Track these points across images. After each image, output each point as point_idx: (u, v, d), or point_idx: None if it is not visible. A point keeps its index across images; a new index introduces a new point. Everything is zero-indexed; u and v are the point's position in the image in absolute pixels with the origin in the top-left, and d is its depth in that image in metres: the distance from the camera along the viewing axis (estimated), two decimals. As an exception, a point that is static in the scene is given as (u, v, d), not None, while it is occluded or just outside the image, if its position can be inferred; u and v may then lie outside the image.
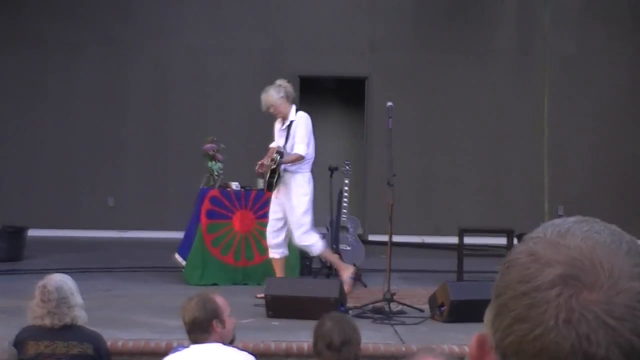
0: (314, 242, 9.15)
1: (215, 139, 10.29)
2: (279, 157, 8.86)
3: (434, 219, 14.54)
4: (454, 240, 10.53)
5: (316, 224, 11.80)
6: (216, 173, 10.11)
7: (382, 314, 7.85)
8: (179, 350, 4.60)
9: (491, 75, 14.84)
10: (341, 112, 17.05)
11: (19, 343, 4.76)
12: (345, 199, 10.55)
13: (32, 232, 12.02)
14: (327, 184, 10.26)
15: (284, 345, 6.80)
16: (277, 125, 9.25)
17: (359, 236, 11.11)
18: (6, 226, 11.75)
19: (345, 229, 10.63)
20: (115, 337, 6.62)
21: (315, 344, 4.16)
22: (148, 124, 14.74)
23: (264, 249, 9.82)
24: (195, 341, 4.42)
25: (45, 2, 14.64)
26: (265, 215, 9.87)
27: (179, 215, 12.46)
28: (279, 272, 9.08)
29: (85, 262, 9.63)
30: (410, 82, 14.77)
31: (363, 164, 14.86)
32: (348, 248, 10.54)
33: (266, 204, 9.87)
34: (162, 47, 14.80)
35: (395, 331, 7.40)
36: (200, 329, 4.45)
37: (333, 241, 10.25)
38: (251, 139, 14.57)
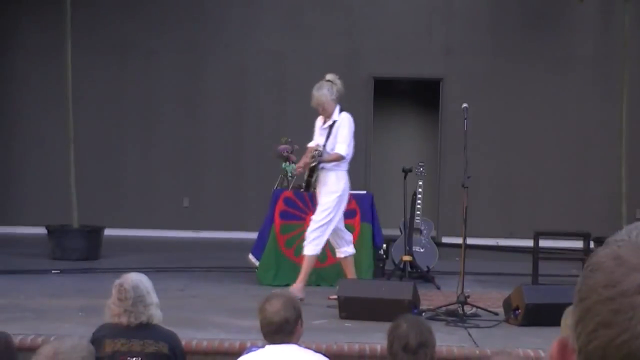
0: (317, 243, 8.86)
1: (290, 140, 10.32)
2: (318, 155, 8.80)
3: (509, 222, 14.41)
4: (529, 243, 10.43)
5: (390, 225, 11.81)
6: (290, 174, 10.14)
7: (455, 317, 7.80)
8: (253, 351, 4.61)
9: (568, 80, 14.66)
10: (416, 114, 17.02)
11: (96, 341, 4.82)
12: (419, 201, 10.50)
13: (108, 232, 12.19)
14: (401, 186, 10.22)
15: (357, 346, 6.79)
16: (319, 123, 9.16)
17: (433, 238, 11.05)
18: (83, 226, 11.93)
19: (419, 231, 10.59)
20: (189, 337, 6.67)
21: (390, 345, 4.13)
22: (225, 126, 14.86)
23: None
24: (277, 342, 4.40)
25: (125, 7, 14.84)
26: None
27: (254, 216, 12.55)
28: (306, 270, 8.89)
29: (160, 261, 9.75)
30: (486, 85, 14.66)
31: (437, 166, 14.79)
32: (421, 250, 10.50)
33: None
34: (240, 51, 14.90)
35: (469, 334, 7.34)
36: (287, 330, 4.43)
37: (406, 243, 10.20)
38: (325, 141, 14.62)
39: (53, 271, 10.60)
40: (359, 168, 14.41)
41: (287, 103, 14.87)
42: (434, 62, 14.82)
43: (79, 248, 11.63)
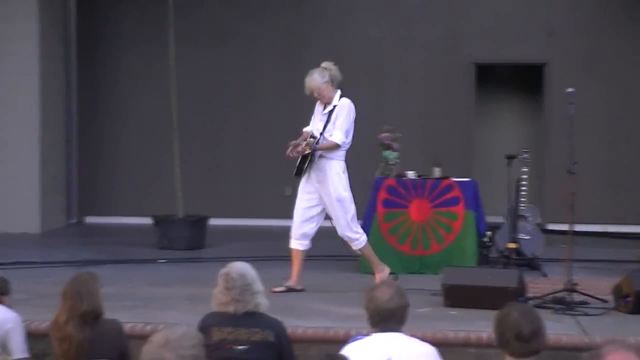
0: (358, 237, 8.84)
1: (391, 128, 10.27)
2: (314, 142, 8.63)
3: (617, 208, 14.11)
4: (638, 229, 10.20)
5: (494, 212, 11.67)
6: (392, 162, 10.10)
7: (563, 305, 7.68)
8: (358, 339, 4.60)
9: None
10: (518, 100, 16.77)
11: (203, 329, 4.87)
12: (524, 188, 10.35)
13: (212, 221, 12.33)
14: (505, 173, 10.08)
15: (462, 334, 6.74)
16: (318, 108, 8.89)
17: (538, 225, 10.89)
18: (188, 215, 12.09)
19: (524, 218, 10.44)
20: (294, 325, 6.70)
21: (501, 334, 4.07)
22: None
23: (442, 238, 9.78)
24: (387, 330, 4.38)
25: (227, -3, 14.99)
26: (443, 205, 9.81)
27: (356, 205, 12.52)
28: (296, 265, 8.75)
29: (264, 250, 9.81)
30: (592, 68, 14.35)
31: (541, 152, 14.55)
32: (527, 237, 10.36)
33: (444, 192, 9.81)
34: (340, 38, 14.88)
35: (577, 322, 7.23)
36: (398, 317, 4.42)
37: (511, 230, 10.08)
38: (428, 128, 14.54)
39: (159, 260, 10.77)
40: (462, 155, 14.30)
41: (388, 90, 14.80)
42: (537, 45, 14.56)
43: (184, 237, 11.78)
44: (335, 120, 8.67)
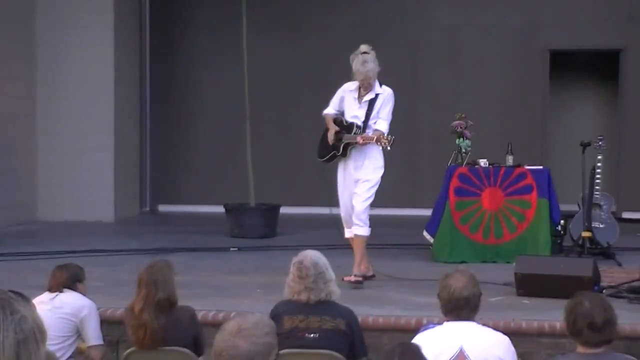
0: (365, 224, 8.55)
1: (464, 115, 10.20)
2: (359, 131, 8.36)
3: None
4: None
5: (568, 201, 11.53)
6: (464, 150, 10.03)
7: (639, 294, 7.56)
8: (430, 327, 4.58)
9: None
10: (594, 86, 16.55)
11: (275, 317, 4.89)
12: (599, 175, 10.22)
13: (284, 210, 12.37)
14: (579, 160, 9.96)
15: (535, 324, 6.68)
16: (352, 93, 8.58)
17: (613, 214, 10.74)
18: (260, 204, 12.15)
19: (599, 206, 10.31)
20: (365, 313, 6.70)
21: (573, 323, 4.03)
22: (399, 102, 14.74)
23: (515, 227, 9.70)
24: (461, 318, 4.36)
25: (298, -15, 15.01)
26: (516, 193, 9.72)
27: (428, 193, 12.47)
28: (359, 252, 8.54)
29: (335, 239, 9.80)
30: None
31: (617, 139, 14.33)
32: (601, 226, 10.23)
33: (517, 180, 9.72)
34: (415, 26, 14.82)
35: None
36: (472, 305, 4.39)
37: (585, 219, 9.95)
38: (502, 115, 14.41)
39: (232, 249, 10.85)
40: (536, 142, 14.15)
41: (462, 77, 14.71)
42: (614, 31, 14.33)
43: (256, 226, 11.85)
44: (380, 109, 8.47)
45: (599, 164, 10.21)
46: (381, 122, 8.43)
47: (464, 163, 9.97)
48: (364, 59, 8.42)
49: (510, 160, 10.05)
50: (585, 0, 14.46)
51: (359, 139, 8.25)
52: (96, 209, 13.67)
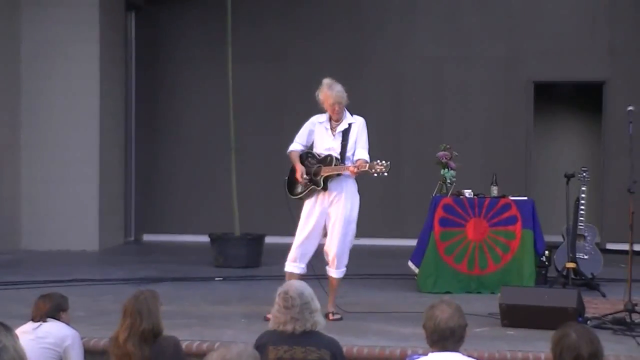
0: (345, 265, 8.28)
1: (448, 146, 10.24)
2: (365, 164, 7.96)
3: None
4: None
5: (552, 232, 11.57)
6: (449, 181, 10.06)
7: (623, 325, 7.56)
8: (414, 358, 4.57)
9: None
10: (577, 118, 16.67)
11: (259, 347, 4.87)
12: (583, 207, 10.25)
13: (269, 239, 12.34)
14: (564, 192, 9.99)
15: (519, 355, 6.67)
16: (324, 125, 8.19)
17: (597, 245, 10.77)
18: (245, 234, 12.13)
19: (583, 237, 10.34)
20: (350, 344, 6.68)
21: (559, 355, 4.03)
22: (383, 133, 14.86)
23: (499, 257, 9.71)
24: (446, 349, 4.35)
25: (284, 16, 15.07)
26: (500, 224, 9.74)
27: (412, 223, 12.49)
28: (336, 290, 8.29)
29: (319, 269, 9.76)
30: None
31: (601, 171, 14.41)
32: (585, 257, 10.25)
33: (502, 211, 9.73)
34: (399, 58, 14.91)
35: (638, 343, 7.10)
36: (457, 336, 4.38)
37: (570, 250, 9.97)
38: (486, 146, 14.47)
39: (216, 278, 10.82)
40: (520, 173, 14.20)
41: (446, 109, 14.79)
42: (597, 64, 14.45)
43: (241, 255, 11.82)
44: (357, 139, 8.11)
45: (583, 195, 10.25)
46: (362, 151, 8.12)
47: (449, 194, 9.99)
48: (330, 83, 8.19)
49: (494, 191, 10.07)
50: (568, 33, 14.57)
51: (352, 169, 7.96)
52: (80, 238, 13.64)
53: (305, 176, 8.13)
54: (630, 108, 8.20)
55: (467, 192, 9.99)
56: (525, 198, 10.17)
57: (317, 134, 8.26)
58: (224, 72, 12.44)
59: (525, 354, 6.65)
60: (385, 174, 7.96)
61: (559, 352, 4.03)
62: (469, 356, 4.51)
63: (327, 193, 8.09)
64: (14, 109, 13.67)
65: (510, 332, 7.56)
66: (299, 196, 8.29)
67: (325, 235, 8.25)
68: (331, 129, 8.20)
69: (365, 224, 14.59)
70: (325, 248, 8.23)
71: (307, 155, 8.30)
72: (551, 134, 16.43)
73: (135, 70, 15.28)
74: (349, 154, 8.10)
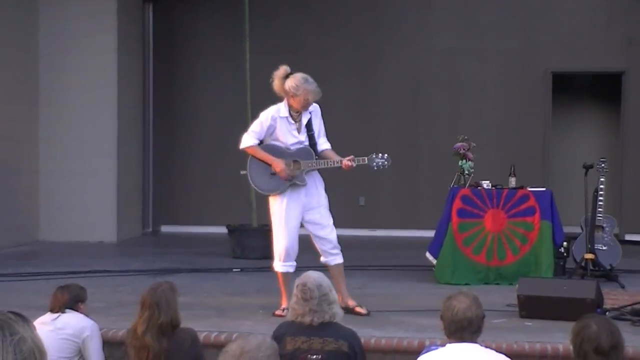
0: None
1: (466, 137, 10.21)
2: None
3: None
4: None
5: (571, 223, 11.53)
6: (467, 172, 10.03)
7: (642, 317, 7.54)
8: (432, 349, 4.56)
9: None
10: (596, 109, 16.59)
11: (277, 339, 4.87)
12: (601, 198, 10.21)
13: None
14: (582, 183, 9.95)
15: (538, 346, 6.65)
16: (286, 120, 7.91)
17: (615, 236, 10.73)
18: (263, 225, 12.12)
19: (601, 228, 10.30)
20: (368, 335, 6.68)
21: (579, 346, 4.01)
22: (400, 125, 14.86)
23: (517, 249, 9.68)
24: (464, 339, 4.34)
25: (299, 9, 15.06)
26: (518, 215, 9.71)
27: (430, 214, 12.48)
28: (287, 287, 7.83)
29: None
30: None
31: (619, 162, 14.35)
32: (604, 248, 10.21)
33: (520, 202, 9.70)
34: (415, 51, 14.88)
35: (657, 335, 7.08)
36: (475, 327, 4.37)
37: (588, 241, 9.94)
38: (504, 138, 14.43)
39: (234, 270, 10.83)
40: (538, 164, 14.16)
41: (463, 101, 14.75)
42: (615, 54, 14.38)
43: (259, 247, 11.81)
44: (320, 129, 8.00)
45: (601, 186, 10.20)
46: (325, 141, 8.03)
47: (467, 185, 9.97)
48: (307, 77, 8.01)
49: (512, 182, 10.04)
50: (586, 23, 14.50)
51: (347, 162, 7.79)
52: (98, 230, 13.69)
53: (285, 171, 7.81)
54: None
55: (485, 184, 9.97)
56: (544, 189, 10.13)
57: (281, 129, 7.92)
58: (240, 64, 12.44)
59: (544, 345, 6.63)
60: (386, 166, 7.90)
61: (579, 343, 4.02)
62: (486, 347, 4.51)
63: (301, 190, 7.90)
64: (31, 102, 13.70)
65: (528, 323, 7.54)
66: (279, 192, 7.93)
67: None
68: (295, 122, 7.93)
69: (382, 215, 14.73)
70: (320, 238, 8.07)
71: (271, 148, 7.97)
72: (569, 125, 16.37)
73: (153, 62, 15.30)
74: (319, 145, 7.96)
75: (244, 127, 12.41)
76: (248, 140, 8.00)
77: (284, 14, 15.07)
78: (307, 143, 7.91)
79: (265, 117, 7.97)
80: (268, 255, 11.76)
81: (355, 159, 7.84)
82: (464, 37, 14.76)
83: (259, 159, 7.97)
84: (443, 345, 4.48)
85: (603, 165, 10.25)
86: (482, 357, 4.34)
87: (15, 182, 13.26)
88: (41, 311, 6.02)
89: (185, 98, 15.34)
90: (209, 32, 15.20)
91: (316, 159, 7.91)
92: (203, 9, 15.25)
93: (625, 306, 7.86)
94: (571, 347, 4.13)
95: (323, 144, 8.00)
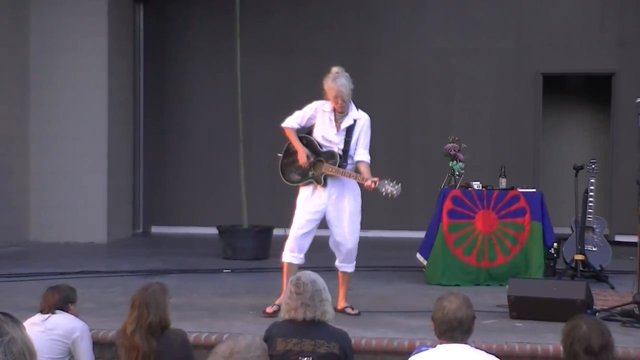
0: (354, 259, 8.14)
1: (457, 138, 10.22)
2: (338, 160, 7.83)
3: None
4: None
5: (561, 224, 11.55)
6: (457, 173, 10.04)
7: (631, 318, 7.55)
8: (422, 350, 4.56)
9: None
10: (586, 110, 16.62)
11: (268, 339, 4.88)
12: (591, 199, 10.23)
13: (277, 232, 12.33)
14: (572, 184, 9.97)
15: (528, 347, 6.66)
16: (328, 116, 7.94)
17: (605, 237, 10.75)
18: (253, 226, 12.13)
19: (591, 229, 10.32)
20: (358, 336, 6.68)
21: (569, 346, 4.02)
22: (392, 125, 14.85)
23: (508, 250, 9.69)
24: (454, 340, 4.35)
25: (292, 8, 15.05)
26: (509, 216, 9.72)
27: (421, 215, 12.48)
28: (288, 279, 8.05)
29: (328, 261, 9.77)
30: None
31: (610, 163, 14.39)
32: (594, 249, 10.23)
33: (510, 203, 9.72)
34: (407, 50, 14.89)
35: (647, 336, 7.10)
36: (465, 327, 4.38)
37: (578, 242, 9.96)
38: (495, 138, 14.45)
39: (224, 270, 10.82)
40: (529, 165, 14.18)
41: (454, 101, 14.76)
42: (606, 56, 14.40)
43: (249, 248, 11.83)
44: (360, 138, 7.90)
45: (591, 187, 10.23)
46: (363, 152, 7.92)
47: (457, 186, 9.98)
48: (335, 76, 7.91)
49: (503, 183, 10.05)
50: (577, 24, 14.53)
51: (369, 183, 7.61)
52: (89, 230, 13.67)
53: (307, 162, 7.92)
54: (639, 100, 8.16)
55: (476, 184, 9.98)
56: (534, 190, 10.15)
57: (321, 122, 8.00)
58: (232, 64, 12.44)
59: (534, 346, 6.64)
60: (395, 195, 7.77)
61: (570, 343, 4.03)
62: (477, 348, 4.51)
63: (326, 188, 7.93)
64: (22, 101, 13.68)
65: (519, 324, 7.55)
66: (295, 184, 8.15)
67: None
68: (335, 121, 7.96)
69: (373, 216, 14.69)
70: (337, 243, 8.09)
71: (305, 139, 8.10)
72: (560, 126, 16.40)
73: (144, 62, 15.29)
74: (351, 152, 7.91)
75: (235, 127, 12.51)
76: (289, 121, 8.20)
77: (276, 13, 15.06)
78: (341, 147, 7.89)
79: (312, 105, 8.13)
80: (259, 256, 11.83)
81: (380, 182, 7.69)
82: (456, 37, 14.77)
83: (290, 142, 8.14)
84: (433, 346, 4.48)
85: (593, 166, 10.27)
86: (472, 358, 4.35)
87: (5, 182, 13.23)
88: (31, 312, 6.01)
89: (176, 98, 15.32)
90: (200, 31, 15.19)
91: (344, 166, 7.85)
92: (194, 8, 15.24)
93: (615, 307, 7.88)
94: (561, 348, 4.14)
95: (361, 155, 7.92)
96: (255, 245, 11.97)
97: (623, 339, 6.70)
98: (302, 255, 8.08)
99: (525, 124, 14.56)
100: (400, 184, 7.80)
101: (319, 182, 7.93)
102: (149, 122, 15.34)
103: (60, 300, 5.95)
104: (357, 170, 7.91)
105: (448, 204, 9.82)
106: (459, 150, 10.10)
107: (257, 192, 13.64)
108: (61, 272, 10.11)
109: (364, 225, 14.07)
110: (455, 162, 10.06)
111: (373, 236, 14.45)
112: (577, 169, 10.01)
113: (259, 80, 14.55)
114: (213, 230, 12.43)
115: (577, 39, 14.49)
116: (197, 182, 15.17)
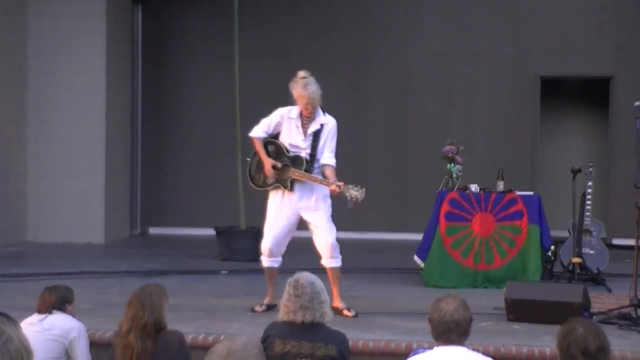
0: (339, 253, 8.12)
1: (454, 141, 10.24)
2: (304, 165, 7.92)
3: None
4: None
5: (558, 227, 11.56)
6: (455, 175, 10.05)
7: (628, 321, 7.56)
8: (420, 352, 4.57)
9: None
10: (584, 114, 16.64)
11: (266, 340, 4.88)
12: (589, 202, 10.24)
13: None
14: (570, 187, 9.98)
15: (525, 349, 6.67)
16: (294, 122, 8.06)
17: (603, 240, 10.76)
18: (251, 227, 12.13)
19: (589, 232, 10.33)
20: (355, 338, 6.69)
21: (566, 349, 4.02)
22: (389, 128, 14.87)
23: (505, 252, 9.70)
24: (451, 342, 4.35)
25: (290, 12, 15.06)
26: (506, 218, 9.73)
27: (418, 217, 12.49)
28: (272, 282, 8.19)
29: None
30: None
31: (607, 166, 14.40)
32: (591, 252, 10.24)
33: (508, 206, 9.73)
34: (405, 54, 14.89)
35: (644, 339, 7.11)
36: (462, 329, 4.38)
37: (576, 245, 9.97)
38: (492, 141, 14.46)
39: (222, 272, 10.83)
40: (526, 168, 14.19)
41: (452, 104, 14.77)
42: (604, 59, 14.42)
43: (247, 249, 11.81)
44: (327, 142, 7.96)
45: (589, 190, 10.24)
46: (330, 156, 7.95)
47: (455, 188, 9.98)
48: (305, 82, 7.98)
49: (501, 185, 10.07)
50: (575, 28, 14.54)
51: (334, 188, 7.68)
52: (86, 231, 13.67)
53: (273, 172, 8.04)
54: (637, 103, 8.17)
55: (473, 187, 9.99)
56: (532, 193, 10.16)
57: (287, 129, 8.10)
58: (230, 67, 12.44)
59: (531, 349, 6.65)
60: (359, 200, 7.75)
61: (566, 346, 4.03)
62: (474, 350, 4.52)
63: (294, 192, 8.01)
64: (20, 103, 13.68)
65: (516, 326, 7.56)
66: (263, 189, 8.27)
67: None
68: (302, 126, 8.04)
69: (371, 219, 14.72)
70: (318, 240, 8.11)
71: (272, 144, 8.20)
72: (558, 130, 16.41)
73: (142, 65, 15.29)
74: (318, 156, 7.97)
75: (233, 130, 12.51)
76: (256, 131, 8.37)
77: (274, 17, 15.07)
78: (308, 152, 7.97)
79: (277, 113, 8.27)
80: (256, 257, 11.75)
81: (344, 187, 7.72)
82: (454, 41, 14.78)
83: (256, 151, 8.25)
84: (431, 348, 4.49)
85: (591, 169, 10.28)
86: (471, 360, 4.36)
87: (3, 184, 13.22)
88: (29, 312, 6.01)
89: (174, 100, 15.33)
90: (198, 34, 15.20)
91: (311, 170, 7.93)
92: (192, 11, 15.25)
93: (612, 310, 7.89)
94: (557, 351, 4.14)
95: (327, 159, 7.99)
96: (253, 246, 11.90)
97: (620, 342, 6.72)
98: (280, 258, 8.28)
99: (523, 127, 14.57)
100: (364, 189, 7.80)
101: (285, 187, 8.02)
102: (146, 125, 15.34)
103: (58, 301, 5.96)
104: (323, 174, 7.97)
105: (446, 207, 9.82)
106: (456, 153, 10.11)
107: (254, 194, 13.58)
108: (59, 273, 10.12)
109: (362, 228, 14.13)
110: (453, 164, 10.07)
111: (371, 238, 14.47)
112: (575, 172, 10.02)
113: (257, 83, 14.55)
114: (210, 232, 12.43)
115: (575, 43, 14.50)
116: (195, 183, 15.17)
